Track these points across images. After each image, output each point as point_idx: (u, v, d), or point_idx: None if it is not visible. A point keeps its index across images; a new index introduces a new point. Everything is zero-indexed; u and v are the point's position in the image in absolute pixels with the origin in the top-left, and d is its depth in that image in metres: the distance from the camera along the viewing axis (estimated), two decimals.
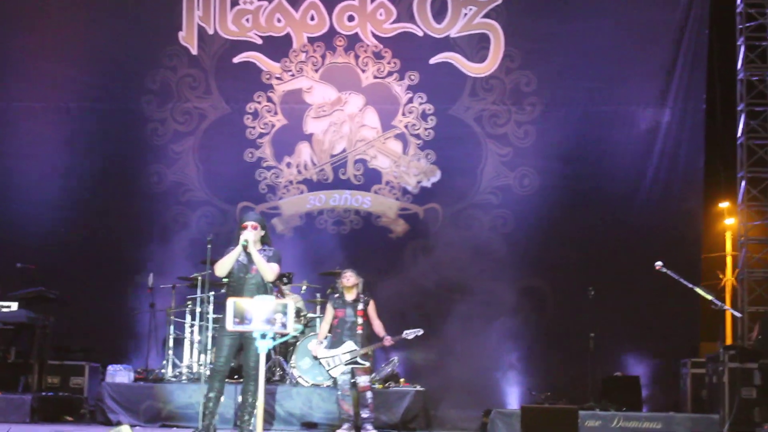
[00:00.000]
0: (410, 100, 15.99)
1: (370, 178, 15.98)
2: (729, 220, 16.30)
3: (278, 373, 13.32)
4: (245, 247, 10.43)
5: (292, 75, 16.17)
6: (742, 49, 15.76)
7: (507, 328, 14.89)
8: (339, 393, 12.15)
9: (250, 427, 10.38)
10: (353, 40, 16.17)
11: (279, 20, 16.21)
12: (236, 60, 16.16)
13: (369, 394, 12.09)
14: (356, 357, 12.05)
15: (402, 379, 13.86)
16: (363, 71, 16.11)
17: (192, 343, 13.98)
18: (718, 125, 15.91)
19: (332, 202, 15.99)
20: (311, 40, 16.19)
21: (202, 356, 13.47)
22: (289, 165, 16.03)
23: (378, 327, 12.28)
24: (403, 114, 16.00)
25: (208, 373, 11.20)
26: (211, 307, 13.56)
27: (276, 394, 12.76)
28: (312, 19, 16.22)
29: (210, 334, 13.47)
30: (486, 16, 16.01)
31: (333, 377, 12.24)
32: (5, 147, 16.19)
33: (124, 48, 16.17)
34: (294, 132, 16.10)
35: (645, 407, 14.26)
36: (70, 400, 13.81)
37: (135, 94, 16.15)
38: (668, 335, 15.07)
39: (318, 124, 16.13)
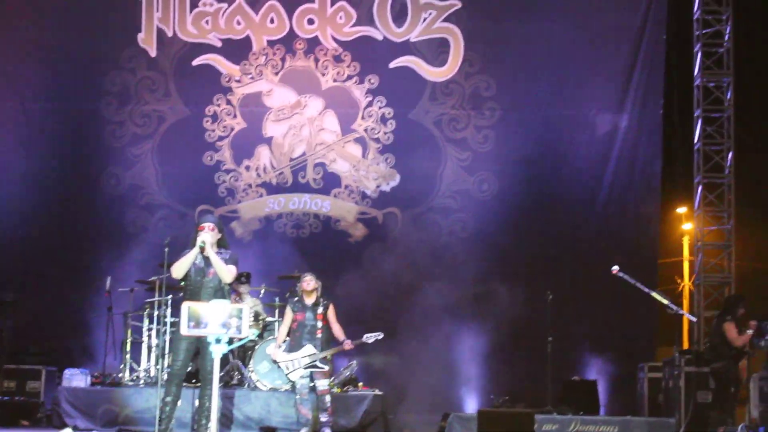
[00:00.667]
0: (370, 104, 15.99)
1: (330, 182, 15.96)
2: (686, 225, 16.42)
3: (236, 377, 13.27)
4: (202, 249, 10.40)
5: (252, 78, 16.13)
6: (699, 55, 15.90)
7: (465, 332, 14.91)
8: (297, 397, 12.11)
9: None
10: (313, 44, 16.14)
11: (238, 23, 16.16)
12: (195, 62, 16.10)
13: (328, 398, 12.07)
14: (315, 361, 12.03)
15: (360, 383, 13.84)
16: (323, 75, 16.09)
17: (149, 347, 13.89)
18: (676, 130, 16.03)
19: (291, 206, 15.96)
20: (271, 43, 16.16)
21: (160, 360, 13.39)
22: (248, 168, 15.99)
23: (337, 331, 12.25)
24: (363, 118, 16.00)
25: (165, 377, 11.15)
26: (168, 311, 13.46)
27: (234, 398, 12.71)
28: (272, 21, 16.18)
29: (167, 338, 13.38)
30: (446, 20, 16.04)
31: (292, 381, 12.20)
32: None
33: (82, 48, 16.04)
34: (253, 135, 16.06)
35: (602, 411, 14.32)
36: (27, 405, 13.67)
37: (94, 96, 16.04)
38: (626, 339, 15.20)
39: (277, 128, 16.10)
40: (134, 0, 16.14)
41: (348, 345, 12.21)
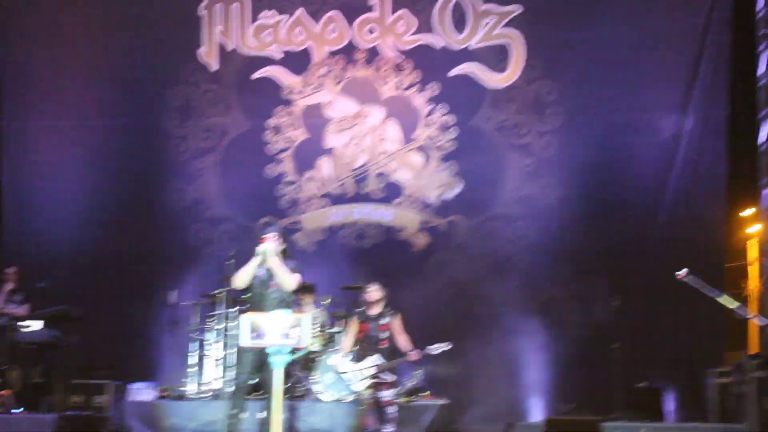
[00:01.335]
0: (431, 112, 15.95)
1: (392, 192, 15.95)
2: (752, 227, 16.14)
3: (301, 389, 13.29)
4: (264, 258, 10.42)
5: (313, 89, 16.16)
6: (763, 55, 15.64)
7: (531, 340, 14.81)
8: (362, 407, 12.09)
9: None
10: (373, 53, 16.16)
11: (299, 34, 16.20)
12: (256, 75, 16.17)
13: (392, 409, 12.03)
14: (380, 371, 11.99)
15: (427, 392, 13.81)
16: (384, 84, 16.09)
17: (215, 360, 13.96)
18: (741, 132, 15.77)
19: (354, 216, 15.97)
20: (331, 54, 16.19)
21: (225, 373, 13.45)
22: (310, 179, 16.02)
23: (403, 341, 12.18)
24: (424, 126, 15.97)
25: (231, 390, 11.20)
26: (233, 324, 13.53)
27: (299, 410, 12.72)
28: (332, 32, 16.21)
29: (232, 350, 13.44)
30: (506, 25, 15.96)
31: (356, 392, 12.19)
32: (28, 165, 16.24)
33: (144, 64, 16.19)
34: (315, 146, 16.10)
35: (670, 418, 14.14)
36: (94, 419, 13.74)
37: (157, 111, 16.16)
38: (693, 344, 14.98)
39: (339, 138, 16.12)
40: (195, 15, 16.27)
41: (414, 356, 12.12)
